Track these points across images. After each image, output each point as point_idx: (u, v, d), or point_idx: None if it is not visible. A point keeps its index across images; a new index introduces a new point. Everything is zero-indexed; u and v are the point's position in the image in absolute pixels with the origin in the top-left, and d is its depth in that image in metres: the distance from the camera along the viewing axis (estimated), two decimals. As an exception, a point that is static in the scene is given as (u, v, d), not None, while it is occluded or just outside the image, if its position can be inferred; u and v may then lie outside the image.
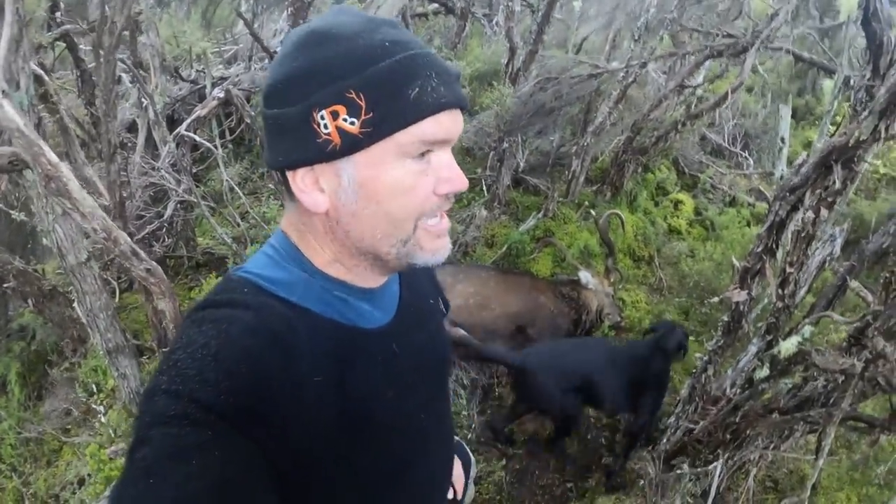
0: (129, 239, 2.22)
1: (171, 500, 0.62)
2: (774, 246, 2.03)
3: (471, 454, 1.77)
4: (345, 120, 0.73)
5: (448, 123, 0.78)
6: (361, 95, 0.72)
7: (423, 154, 0.78)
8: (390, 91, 0.73)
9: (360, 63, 0.73)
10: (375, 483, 0.89)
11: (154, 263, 2.38)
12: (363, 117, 0.73)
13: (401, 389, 0.92)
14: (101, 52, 2.66)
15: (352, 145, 0.74)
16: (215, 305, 0.79)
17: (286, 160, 0.79)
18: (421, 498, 1.03)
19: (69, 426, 3.35)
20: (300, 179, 0.79)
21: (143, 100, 4.00)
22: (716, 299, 2.17)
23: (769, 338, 2.24)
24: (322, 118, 0.74)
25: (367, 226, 0.80)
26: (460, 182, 0.81)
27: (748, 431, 2.29)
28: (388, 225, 0.80)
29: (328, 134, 0.74)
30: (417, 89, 0.73)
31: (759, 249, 2.06)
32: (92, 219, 2.01)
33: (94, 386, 3.41)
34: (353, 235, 0.82)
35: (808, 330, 1.86)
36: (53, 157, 1.85)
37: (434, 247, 0.84)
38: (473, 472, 1.77)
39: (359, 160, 0.76)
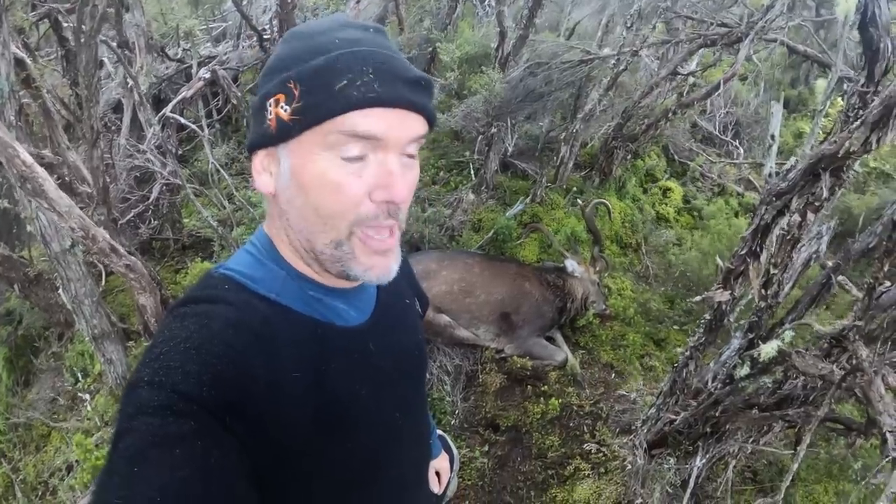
0: (107, 236, 2.20)
1: (155, 487, 0.63)
2: (759, 249, 2.04)
3: (455, 449, 1.80)
4: (281, 107, 0.78)
5: (380, 122, 0.77)
6: (297, 85, 0.77)
7: (361, 155, 0.78)
8: (320, 83, 0.76)
9: (305, 56, 0.78)
10: (346, 481, 0.91)
11: (133, 259, 2.35)
12: (294, 105, 0.77)
13: (376, 388, 0.94)
14: (82, 36, 2.60)
15: (283, 132, 0.79)
16: (196, 301, 0.81)
17: (247, 143, 0.86)
18: (390, 497, 1.05)
19: (57, 411, 3.36)
20: (258, 161, 0.85)
21: (128, 81, 3.93)
22: (698, 298, 2.18)
23: (751, 335, 2.27)
24: (269, 105, 0.79)
25: (301, 216, 0.83)
26: (396, 191, 0.80)
27: (728, 425, 2.34)
28: (318, 220, 0.81)
29: (270, 120, 0.79)
30: (345, 82, 0.75)
31: (744, 252, 2.07)
32: (69, 217, 1.99)
33: (81, 371, 3.41)
34: (293, 224, 0.85)
35: (788, 334, 1.89)
36: (28, 158, 1.81)
37: (370, 263, 0.84)
38: (457, 465, 1.79)
39: (292, 148, 0.80)
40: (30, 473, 3.06)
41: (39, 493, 2.99)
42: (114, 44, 4.19)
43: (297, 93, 0.76)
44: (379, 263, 0.84)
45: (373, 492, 0.98)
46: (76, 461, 2.89)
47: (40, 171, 1.84)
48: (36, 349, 3.64)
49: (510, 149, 4.57)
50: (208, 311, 0.78)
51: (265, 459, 0.76)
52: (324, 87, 0.75)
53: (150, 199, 4.06)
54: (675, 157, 5.56)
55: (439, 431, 1.80)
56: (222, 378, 0.72)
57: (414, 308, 1.18)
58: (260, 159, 0.84)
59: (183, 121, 4.05)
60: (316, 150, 0.78)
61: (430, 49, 4.92)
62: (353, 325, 0.93)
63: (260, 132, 0.82)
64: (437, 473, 1.48)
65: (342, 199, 0.79)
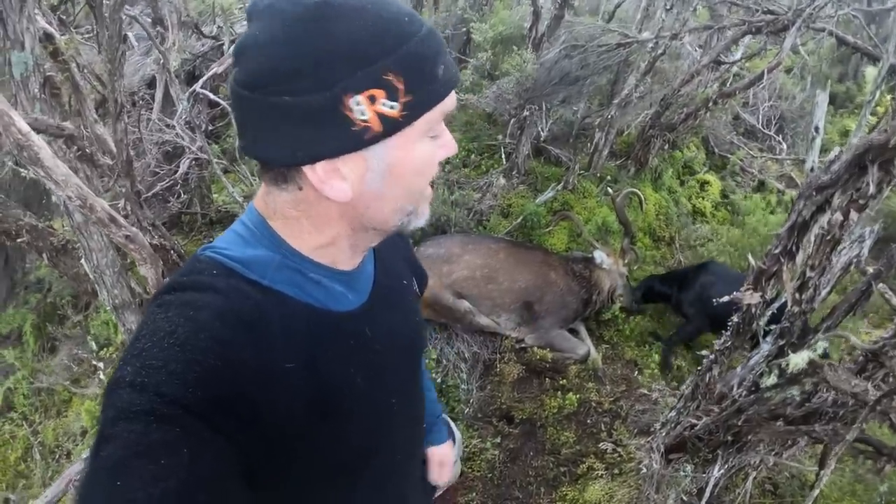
0: (107, 206, 2.19)
1: (139, 502, 0.59)
2: (795, 248, 1.90)
3: (457, 431, 1.74)
4: (384, 104, 0.69)
5: (455, 98, 0.78)
6: (398, 77, 0.68)
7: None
8: (426, 70, 0.71)
9: (392, 41, 0.69)
10: (338, 466, 0.88)
11: (134, 230, 2.35)
12: (403, 100, 0.69)
13: (371, 373, 0.90)
14: (106, 10, 2.59)
15: (391, 130, 0.71)
16: (182, 288, 0.75)
17: (309, 154, 0.72)
18: (382, 482, 1.02)
19: (79, 378, 3.44)
20: (321, 170, 0.73)
21: (160, 57, 3.95)
22: (726, 299, 2.06)
23: (781, 342, 2.13)
24: (357, 104, 0.68)
25: (389, 206, 0.79)
26: (454, 146, 0.83)
27: (750, 436, 2.22)
28: (407, 201, 0.80)
29: (366, 121, 0.69)
30: (443, 66, 0.73)
31: (778, 251, 1.93)
32: (66, 187, 1.97)
33: (104, 339, 3.47)
34: (370, 216, 0.79)
35: (821, 345, 1.76)
36: (24, 126, 1.80)
37: (426, 209, 0.85)
38: (459, 450, 1.74)
39: (391, 143, 0.73)
40: (49, 437, 3.14)
41: (56, 457, 3.07)
42: (147, 21, 4.21)
43: (401, 86, 0.69)
44: (428, 206, 0.86)
45: (364, 476, 0.95)
46: (90, 428, 2.95)
47: (36, 139, 1.83)
48: (63, 317, 3.72)
49: (543, 134, 4.43)
50: (194, 300, 0.73)
51: (257, 451, 0.72)
52: (429, 75, 0.72)
53: (179, 174, 4.08)
54: (716, 150, 5.34)
55: (443, 416, 1.74)
56: (209, 375, 0.67)
57: (411, 289, 1.13)
58: (327, 167, 0.73)
59: (213, 97, 4.04)
60: (417, 138, 0.75)
61: (465, 29, 4.81)
62: (350, 309, 0.88)
63: (342, 138, 0.70)
64: (442, 463, 1.41)
65: (431, 172, 0.80)
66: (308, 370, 0.79)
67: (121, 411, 0.64)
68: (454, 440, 1.70)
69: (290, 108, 0.69)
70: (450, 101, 0.76)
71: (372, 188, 0.76)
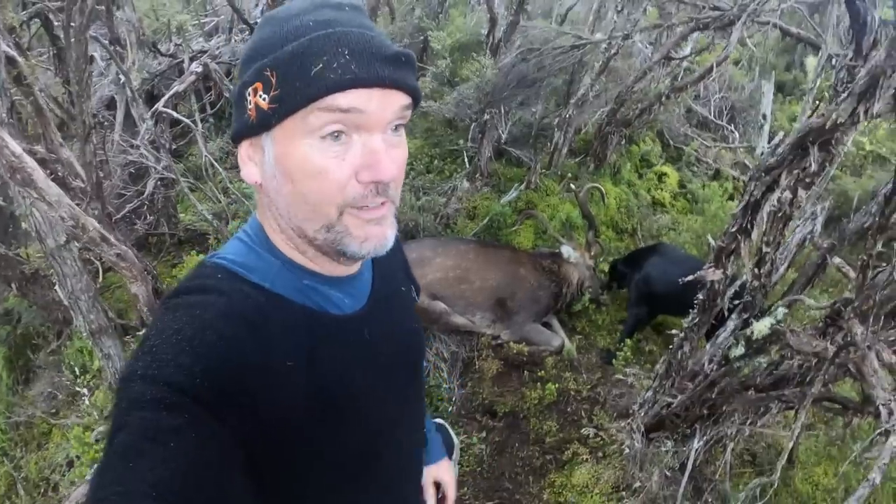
0: (97, 225, 2.21)
1: (150, 482, 0.63)
2: (749, 226, 2.03)
3: (455, 437, 1.78)
4: (260, 96, 0.76)
5: (360, 98, 0.75)
6: (274, 73, 0.75)
7: (340, 136, 0.77)
8: (296, 68, 0.74)
9: (279, 42, 0.76)
10: (341, 469, 0.90)
11: (125, 248, 2.36)
12: (272, 93, 0.75)
13: (372, 376, 0.93)
14: (72, 32, 2.59)
15: (264, 121, 0.77)
16: (188, 292, 0.80)
17: (231, 133, 0.85)
18: (390, 488, 1.05)
19: (57, 408, 3.37)
20: (243, 151, 0.84)
21: (120, 77, 3.92)
22: (690, 277, 2.18)
23: (745, 315, 2.27)
24: (248, 94, 0.78)
25: (290, 205, 0.81)
26: (383, 168, 0.78)
27: (724, 407, 2.34)
28: (307, 208, 0.80)
29: (251, 109, 0.78)
30: (321, 65, 0.73)
31: (735, 229, 2.06)
32: (59, 207, 1.99)
33: (80, 367, 3.41)
34: (282, 212, 0.83)
35: (780, 311, 1.88)
36: (17, 149, 1.82)
37: (364, 234, 0.82)
38: (457, 454, 1.78)
39: (276, 136, 0.78)
40: (32, 471, 3.07)
41: (41, 491, 3.00)
42: (105, 41, 4.17)
43: (274, 80, 0.74)
44: (374, 233, 0.82)
45: (369, 481, 0.97)
46: (76, 456, 2.90)
47: (29, 161, 1.84)
48: (35, 347, 3.64)
49: (504, 136, 4.54)
50: (200, 301, 0.78)
51: (260, 448, 0.76)
52: (300, 73, 0.73)
53: (145, 195, 4.05)
54: (671, 143, 5.54)
55: (439, 420, 1.77)
56: (215, 369, 0.72)
57: (410, 295, 1.17)
58: (244, 149, 0.83)
59: (176, 115, 4.04)
60: (298, 136, 0.76)
61: (422, 38, 4.89)
62: (349, 313, 0.92)
63: (241, 122, 0.80)
64: (437, 484, 1.39)
65: (327, 184, 0.77)
66: (308, 370, 0.83)
67: (133, 402, 0.68)
68: (452, 444, 1.74)
69: (232, 94, 0.84)
70: (342, 101, 0.74)
71: (270, 178, 0.82)
